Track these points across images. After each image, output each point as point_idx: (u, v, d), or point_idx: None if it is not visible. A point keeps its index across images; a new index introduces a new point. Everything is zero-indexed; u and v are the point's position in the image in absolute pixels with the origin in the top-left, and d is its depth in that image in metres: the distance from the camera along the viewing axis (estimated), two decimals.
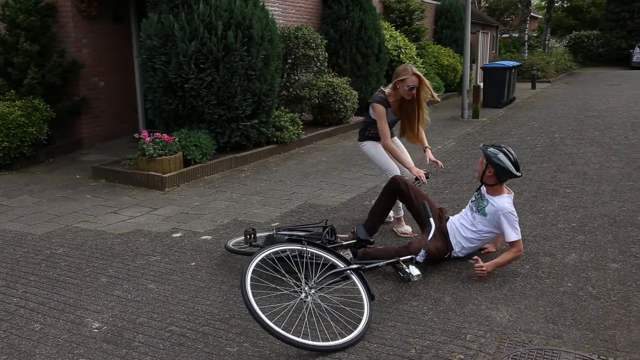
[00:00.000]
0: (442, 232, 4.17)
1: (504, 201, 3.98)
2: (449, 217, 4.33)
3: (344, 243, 4.22)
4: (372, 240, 4.24)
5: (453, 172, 7.20)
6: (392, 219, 4.94)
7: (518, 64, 16.39)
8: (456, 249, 4.18)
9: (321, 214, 5.44)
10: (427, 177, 4.40)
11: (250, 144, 8.07)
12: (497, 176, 3.98)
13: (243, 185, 6.70)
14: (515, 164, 3.94)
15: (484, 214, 4.05)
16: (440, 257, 4.13)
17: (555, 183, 6.58)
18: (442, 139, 9.90)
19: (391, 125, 4.76)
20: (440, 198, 5.93)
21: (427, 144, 4.74)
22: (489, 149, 4.02)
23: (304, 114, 10.28)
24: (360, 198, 6.09)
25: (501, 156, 3.93)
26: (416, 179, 4.42)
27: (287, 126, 8.74)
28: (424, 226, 4.27)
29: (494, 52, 26.75)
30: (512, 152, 3.99)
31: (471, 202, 4.22)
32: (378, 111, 4.59)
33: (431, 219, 4.04)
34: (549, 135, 10.00)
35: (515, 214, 3.98)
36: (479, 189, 4.15)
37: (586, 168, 7.32)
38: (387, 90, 4.66)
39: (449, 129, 11.08)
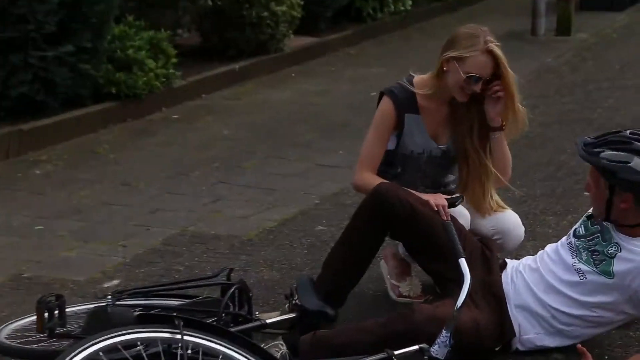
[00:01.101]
0: (492, 293, 3.39)
1: None
2: (506, 262, 3.57)
3: (269, 321, 3.46)
4: (331, 313, 3.46)
5: (519, 156, 5.55)
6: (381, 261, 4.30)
7: None
8: (526, 334, 3.33)
9: (218, 257, 4.47)
10: (455, 204, 3.68)
11: (56, 102, 6.46)
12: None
13: (37, 197, 5.42)
14: None
15: (609, 273, 3.29)
16: (483, 347, 3.25)
17: None
18: None
19: (422, 162, 3.96)
20: None
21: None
22: (603, 155, 3.18)
23: (179, 31, 8.64)
24: (305, 219, 5.06)
25: (638, 161, 3.16)
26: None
27: (142, 60, 7.00)
28: (446, 280, 3.50)
29: None
30: None
31: (574, 238, 3.43)
32: (378, 110, 3.95)
33: (463, 261, 3.21)
34: None
35: None
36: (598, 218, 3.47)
37: None
38: (418, 77, 3.90)
39: (509, 58, 9.29)
